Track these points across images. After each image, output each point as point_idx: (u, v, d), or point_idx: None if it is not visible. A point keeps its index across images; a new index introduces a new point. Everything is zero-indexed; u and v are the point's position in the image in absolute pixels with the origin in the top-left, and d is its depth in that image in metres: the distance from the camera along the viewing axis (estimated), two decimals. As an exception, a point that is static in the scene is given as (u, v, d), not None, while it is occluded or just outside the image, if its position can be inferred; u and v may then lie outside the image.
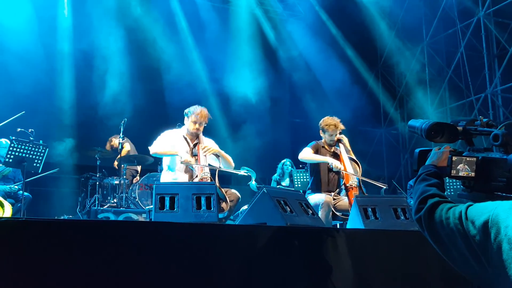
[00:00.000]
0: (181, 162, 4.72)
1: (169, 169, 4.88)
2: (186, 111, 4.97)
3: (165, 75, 10.25)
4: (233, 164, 5.00)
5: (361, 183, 5.13)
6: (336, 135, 5.31)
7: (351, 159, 5.27)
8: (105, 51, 9.57)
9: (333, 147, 5.39)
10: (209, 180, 4.57)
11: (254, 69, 11.04)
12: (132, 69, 9.89)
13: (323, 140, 5.41)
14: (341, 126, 5.35)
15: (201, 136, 4.98)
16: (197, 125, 4.89)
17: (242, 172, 5.12)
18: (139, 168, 8.68)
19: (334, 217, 5.01)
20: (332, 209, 4.93)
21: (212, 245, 3.04)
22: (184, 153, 4.77)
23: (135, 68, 9.94)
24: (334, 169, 5.13)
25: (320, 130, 5.40)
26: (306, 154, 5.26)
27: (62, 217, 7.50)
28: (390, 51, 12.85)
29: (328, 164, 5.16)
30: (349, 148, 5.37)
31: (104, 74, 9.49)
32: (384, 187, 5.28)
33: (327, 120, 5.35)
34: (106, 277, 2.67)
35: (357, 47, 12.41)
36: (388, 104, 13.48)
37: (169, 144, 4.85)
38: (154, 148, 4.83)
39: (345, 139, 5.36)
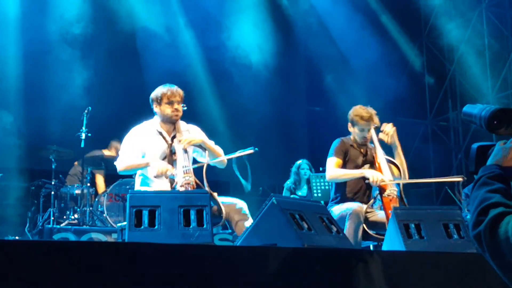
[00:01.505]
0: (154, 176, 4.71)
1: (144, 174, 4.89)
2: (152, 96, 4.94)
3: (140, 46, 10.25)
4: (225, 160, 4.97)
5: (402, 194, 5.12)
6: (369, 130, 5.30)
7: (390, 161, 5.28)
8: (59, 15, 9.55)
9: (365, 146, 5.39)
10: (193, 185, 4.57)
11: (260, 42, 11.04)
12: (97, 39, 9.88)
13: (351, 137, 5.40)
14: (376, 120, 5.32)
15: (179, 124, 4.97)
16: (175, 105, 4.87)
17: (247, 151, 4.93)
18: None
19: (366, 236, 5.02)
20: (363, 225, 4.93)
21: (205, 273, 3.05)
22: (155, 162, 4.74)
23: (100, 37, 9.94)
24: (371, 184, 5.09)
25: (349, 123, 5.39)
26: (334, 172, 5.23)
27: (5, 238, 7.51)
28: (437, 18, 12.81)
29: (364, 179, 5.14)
30: (396, 142, 5.32)
31: (58, 47, 9.48)
32: (461, 180, 5.19)
33: (358, 111, 5.33)
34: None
35: (395, 13, 12.38)
36: (435, 87, 13.45)
37: (140, 147, 4.85)
38: (120, 164, 4.86)
39: (393, 132, 5.29)
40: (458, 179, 5.19)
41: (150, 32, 10.36)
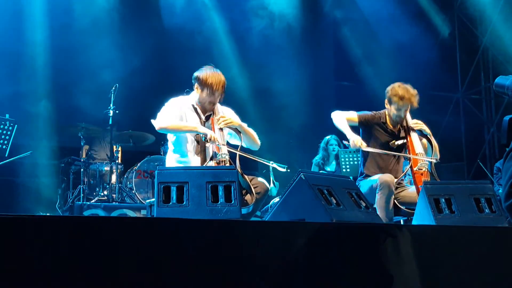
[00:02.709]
0: (205, 141, 4.70)
1: (177, 150, 4.91)
2: (196, 75, 4.92)
3: (167, 21, 10.26)
4: (258, 143, 5.02)
5: (433, 168, 5.10)
6: (406, 110, 5.25)
7: (424, 135, 5.25)
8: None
9: (397, 127, 5.33)
10: (228, 164, 4.59)
11: (288, 16, 10.97)
12: (124, 18, 9.91)
13: (386, 113, 5.35)
14: (415, 102, 5.26)
15: (217, 105, 4.99)
16: (215, 95, 4.89)
17: (272, 164, 4.99)
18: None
19: (397, 211, 5.01)
20: (394, 200, 4.92)
21: (233, 249, 3.08)
22: (205, 128, 4.77)
23: (127, 17, 9.97)
24: (351, 146, 5.18)
25: (386, 100, 5.34)
26: (336, 117, 5.29)
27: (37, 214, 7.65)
28: (470, -12, 12.61)
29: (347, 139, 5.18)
30: (428, 131, 5.32)
31: (86, 27, 9.53)
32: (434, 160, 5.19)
33: (397, 89, 5.25)
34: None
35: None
36: (467, 59, 13.26)
37: (178, 116, 4.86)
38: (161, 122, 4.80)
39: (421, 124, 5.30)
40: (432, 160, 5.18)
41: (176, 8, 10.34)
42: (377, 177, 4.97)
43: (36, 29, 9.21)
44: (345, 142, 5.24)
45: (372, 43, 11.68)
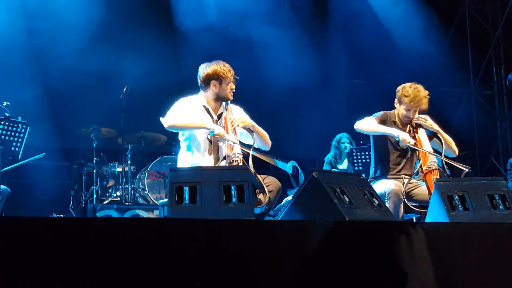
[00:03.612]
0: (213, 136, 4.70)
1: (189, 150, 4.91)
2: (208, 72, 4.89)
3: (179, 21, 10.26)
4: (269, 143, 5.02)
5: (444, 165, 5.08)
6: (415, 112, 5.21)
7: (430, 133, 5.24)
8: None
9: (407, 127, 5.31)
10: (241, 164, 4.59)
11: (296, 11, 10.94)
12: (135, 18, 9.93)
13: (395, 112, 5.34)
14: (425, 103, 5.21)
15: (229, 104, 5.00)
16: (232, 84, 4.89)
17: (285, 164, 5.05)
18: None
19: (408, 210, 5.00)
20: (404, 199, 4.91)
21: (247, 248, 3.08)
22: (214, 124, 4.78)
23: (138, 18, 9.98)
24: (401, 143, 5.09)
25: (396, 99, 5.30)
26: (365, 123, 5.21)
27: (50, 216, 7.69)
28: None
29: (394, 137, 5.10)
30: (436, 128, 5.30)
31: (96, 28, 9.56)
32: (466, 170, 5.15)
33: (408, 90, 5.19)
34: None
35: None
36: (479, 55, 13.20)
37: (189, 115, 4.86)
38: (170, 119, 4.81)
39: (428, 121, 5.26)
40: (465, 168, 5.07)
41: (188, 8, 10.32)
42: (386, 186, 4.95)
43: (48, 30, 9.25)
44: (397, 138, 5.11)
45: (383, 41, 11.64)
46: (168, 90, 8.22)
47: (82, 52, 9.17)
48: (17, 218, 2.79)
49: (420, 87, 5.21)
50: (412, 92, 5.16)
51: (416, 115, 5.24)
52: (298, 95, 10.64)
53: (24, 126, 6.28)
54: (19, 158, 6.40)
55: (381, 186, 4.99)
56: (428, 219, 4.21)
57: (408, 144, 5.03)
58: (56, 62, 9.04)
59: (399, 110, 5.27)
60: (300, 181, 7.78)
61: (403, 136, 5.03)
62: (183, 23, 10.16)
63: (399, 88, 5.26)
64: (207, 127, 4.73)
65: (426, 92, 5.21)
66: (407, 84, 5.24)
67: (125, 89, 7.98)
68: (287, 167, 5.17)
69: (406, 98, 5.17)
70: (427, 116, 5.31)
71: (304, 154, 10.55)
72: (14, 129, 6.24)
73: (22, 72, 8.73)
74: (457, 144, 5.45)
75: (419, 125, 5.27)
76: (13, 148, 6.26)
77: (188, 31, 10.06)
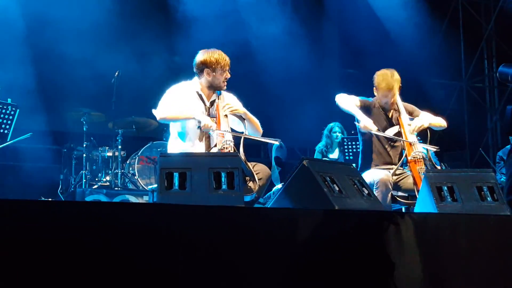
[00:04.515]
0: (200, 128, 4.73)
1: (180, 136, 4.91)
2: (203, 59, 4.90)
3: (172, 6, 10.21)
4: (261, 130, 5.04)
5: (430, 154, 5.13)
6: (392, 96, 5.27)
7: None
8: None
9: (389, 112, 5.36)
10: (232, 151, 4.59)
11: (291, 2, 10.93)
12: (128, 3, 9.87)
13: (377, 100, 5.39)
14: (395, 88, 5.27)
15: (223, 93, 5.00)
16: (226, 73, 4.91)
17: (273, 140, 5.11)
18: None
19: (394, 200, 5.04)
20: (392, 191, 4.95)
21: (236, 235, 3.09)
22: (202, 115, 4.78)
23: (131, 2, 9.93)
24: (362, 130, 5.17)
25: (374, 87, 5.38)
26: (344, 100, 5.27)
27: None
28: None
29: (357, 120, 5.19)
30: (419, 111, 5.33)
31: (89, 12, 9.49)
32: (434, 149, 5.21)
33: (381, 76, 5.31)
34: (96, 277, 2.75)
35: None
36: (471, 47, 13.23)
37: (181, 103, 4.85)
38: (162, 112, 4.82)
39: (399, 103, 5.31)
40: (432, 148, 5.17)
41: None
42: (375, 175, 4.97)
43: (39, 14, 9.18)
44: (355, 123, 5.22)
45: (376, 31, 11.64)
46: (160, 75, 8.21)
47: (74, 35, 9.12)
48: (4, 201, 2.78)
49: (387, 72, 5.31)
50: (381, 80, 5.28)
51: (399, 100, 5.29)
52: (290, 84, 10.64)
53: (13, 109, 6.25)
54: (7, 140, 6.36)
55: (370, 176, 5.01)
56: (417, 209, 4.24)
57: (371, 131, 5.09)
58: (48, 45, 8.99)
59: (378, 97, 5.35)
60: (283, 157, 7.89)
61: (364, 124, 5.12)
62: (177, 8, 10.13)
63: (374, 76, 5.36)
64: (196, 118, 4.73)
65: (394, 74, 5.28)
66: (378, 72, 5.34)
67: (116, 73, 7.94)
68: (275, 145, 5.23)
69: (379, 85, 5.28)
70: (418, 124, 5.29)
71: (295, 143, 10.57)
72: (3, 111, 6.21)
73: (12, 54, 8.67)
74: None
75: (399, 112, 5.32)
76: (1, 130, 6.23)
77: (182, 17, 10.02)
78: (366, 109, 5.30)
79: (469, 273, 3.48)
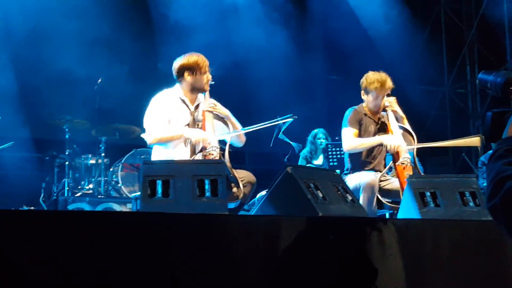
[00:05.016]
0: (193, 144, 4.68)
1: (163, 143, 4.89)
2: (182, 63, 4.88)
3: (154, 11, 10.20)
4: (243, 139, 5.01)
5: (416, 161, 5.13)
6: (383, 97, 5.27)
7: (403, 128, 5.26)
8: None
9: (378, 114, 5.37)
10: (217, 157, 4.57)
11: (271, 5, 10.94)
12: (109, 9, 9.83)
13: (364, 105, 5.38)
14: (390, 84, 5.30)
15: (207, 94, 4.96)
16: (207, 75, 4.88)
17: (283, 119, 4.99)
18: None
19: (381, 205, 5.04)
20: (377, 194, 4.95)
21: (220, 243, 3.09)
22: (191, 132, 4.73)
23: (112, 8, 9.89)
24: (389, 152, 5.12)
25: (362, 91, 5.36)
26: (352, 142, 5.22)
27: (20, 209, 7.60)
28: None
29: (382, 145, 5.14)
30: (401, 114, 5.35)
31: (70, 17, 9.45)
32: (478, 141, 5.18)
33: (371, 77, 5.29)
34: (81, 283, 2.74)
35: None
36: (453, 53, 13.32)
37: (167, 117, 4.79)
38: (152, 136, 4.77)
39: (393, 102, 5.33)
40: (476, 139, 5.15)
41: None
42: (361, 178, 4.98)
43: (17, 20, 9.13)
44: (384, 148, 5.15)
45: (360, 38, 11.69)
46: (143, 82, 8.18)
47: (56, 42, 9.09)
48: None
49: (381, 72, 5.30)
50: (375, 78, 5.24)
51: (385, 99, 5.30)
52: (275, 90, 10.64)
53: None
54: (-12, 148, 6.33)
55: (356, 179, 5.02)
56: (400, 215, 4.25)
57: (394, 151, 5.06)
58: (29, 52, 8.94)
59: (368, 100, 5.33)
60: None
61: (392, 144, 5.05)
62: (161, 15, 10.11)
63: (362, 79, 5.34)
64: (185, 136, 4.71)
65: (388, 76, 5.29)
66: (369, 73, 5.33)
67: (99, 80, 7.90)
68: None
69: (372, 85, 5.24)
70: (394, 98, 5.35)
71: (280, 149, 10.56)
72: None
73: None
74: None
75: (386, 110, 5.32)
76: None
77: (165, 23, 10.00)
78: (359, 123, 5.29)
79: (451, 279, 3.50)
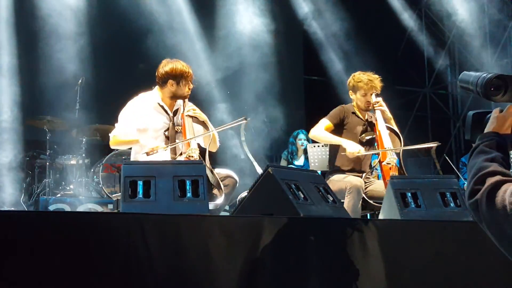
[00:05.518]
0: (146, 153, 4.59)
1: (144, 143, 4.83)
2: (165, 71, 4.80)
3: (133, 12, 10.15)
4: (217, 144, 4.98)
5: (402, 163, 5.14)
6: (371, 94, 5.27)
7: (390, 129, 5.27)
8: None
9: (367, 114, 5.37)
10: (197, 159, 4.54)
11: (251, 4, 10.93)
12: (91, 9, 9.78)
13: (354, 104, 5.38)
14: (379, 83, 5.31)
15: (186, 101, 4.92)
16: (190, 85, 4.83)
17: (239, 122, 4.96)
18: None
19: (364, 206, 5.04)
20: (363, 195, 4.94)
21: (201, 243, 3.07)
22: (148, 139, 4.69)
23: (94, 8, 9.84)
24: (348, 156, 5.12)
25: (350, 91, 5.36)
26: (318, 132, 5.24)
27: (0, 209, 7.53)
28: (436, -17, 12.72)
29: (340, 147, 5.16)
30: (389, 115, 5.35)
31: (52, 17, 9.38)
32: (435, 145, 5.23)
33: (359, 76, 5.30)
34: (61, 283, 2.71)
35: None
36: (434, 55, 13.40)
37: (136, 123, 4.73)
38: (113, 139, 4.77)
39: (382, 103, 5.33)
40: (433, 144, 5.22)
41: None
42: (347, 181, 4.97)
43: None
44: (342, 153, 5.15)
45: (340, 37, 11.70)
46: (124, 82, 8.12)
47: (35, 40, 9.02)
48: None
49: (368, 72, 5.33)
50: (364, 77, 5.27)
51: (373, 98, 5.30)
52: (255, 92, 10.63)
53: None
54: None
55: (341, 183, 5.00)
56: (381, 215, 4.26)
57: (357, 155, 5.08)
58: (7, 49, 8.86)
59: (356, 99, 5.33)
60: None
61: (350, 150, 5.04)
62: (141, 15, 10.06)
63: (350, 79, 5.36)
64: (141, 143, 4.69)
65: (376, 75, 5.32)
66: (356, 73, 5.35)
67: (80, 80, 7.85)
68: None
69: (360, 83, 5.25)
70: (380, 99, 5.37)
71: (261, 150, 10.57)
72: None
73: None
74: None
75: (374, 109, 5.33)
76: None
77: (147, 24, 9.97)
78: (340, 121, 5.28)
79: (432, 279, 3.51)
